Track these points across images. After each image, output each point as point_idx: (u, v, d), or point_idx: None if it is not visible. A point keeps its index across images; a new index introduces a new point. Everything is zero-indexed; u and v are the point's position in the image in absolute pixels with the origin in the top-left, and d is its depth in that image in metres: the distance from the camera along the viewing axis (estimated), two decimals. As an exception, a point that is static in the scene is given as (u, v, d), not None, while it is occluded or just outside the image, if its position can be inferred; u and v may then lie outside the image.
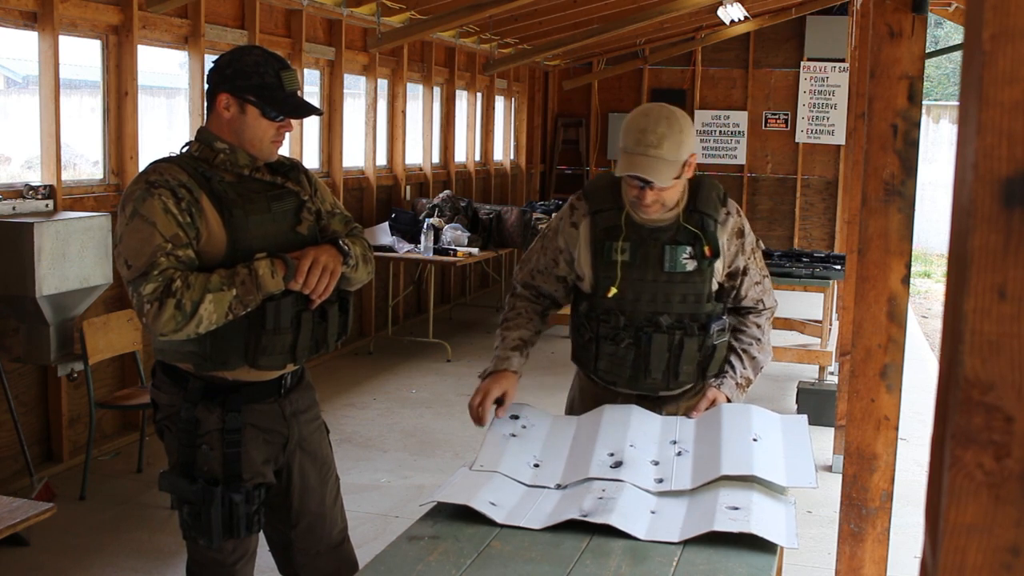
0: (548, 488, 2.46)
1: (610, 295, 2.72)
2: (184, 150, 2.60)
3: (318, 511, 2.78)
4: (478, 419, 2.73)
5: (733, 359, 2.85)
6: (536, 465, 2.55)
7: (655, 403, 2.84)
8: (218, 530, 2.55)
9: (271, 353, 2.52)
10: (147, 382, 5.19)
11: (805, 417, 2.79)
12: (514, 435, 2.66)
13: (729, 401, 2.78)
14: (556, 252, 2.86)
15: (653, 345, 2.71)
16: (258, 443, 2.62)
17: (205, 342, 2.48)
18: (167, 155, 2.60)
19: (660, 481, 2.44)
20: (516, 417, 2.74)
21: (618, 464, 2.47)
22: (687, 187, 2.75)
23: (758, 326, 2.88)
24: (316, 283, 2.52)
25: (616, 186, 2.78)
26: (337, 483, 2.86)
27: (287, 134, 2.65)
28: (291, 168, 2.69)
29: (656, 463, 2.51)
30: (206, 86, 2.61)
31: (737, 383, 2.82)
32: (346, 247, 2.62)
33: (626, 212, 2.73)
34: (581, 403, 2.96)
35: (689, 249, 2.71)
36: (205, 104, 2.64)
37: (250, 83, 2.51)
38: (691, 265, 2.71)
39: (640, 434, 2.61)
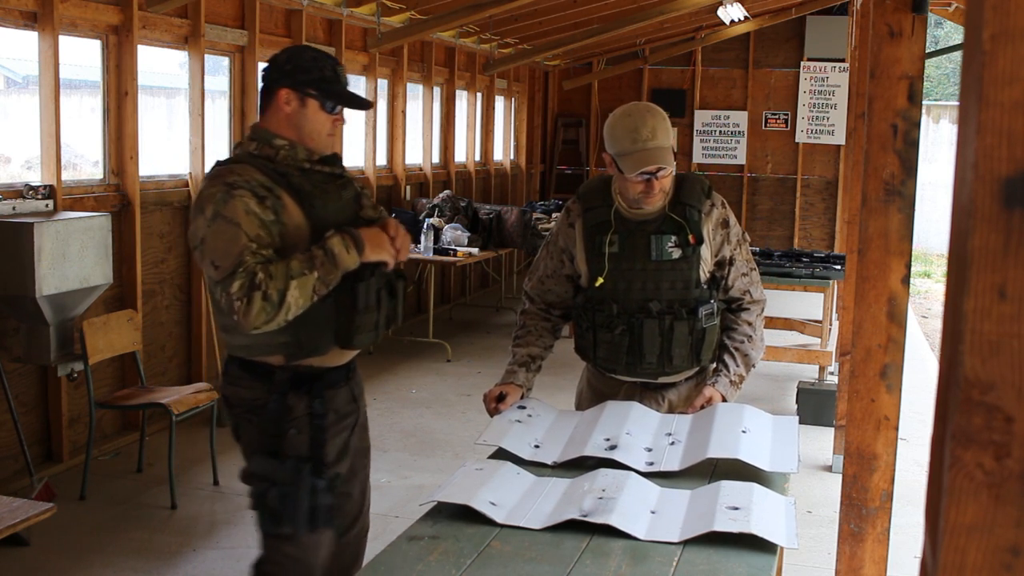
0: (546, 466, 2.58)
1: (597, 284, 2.89)
2: (238, 151, 2.65)
3: (361, 488, 2.91)
4: (490, 410, 2.93)
5: (726, 357, 3.00)
6: (537, 446, 2.69)
7: (657, 390, 3.01)
8: (304, 514, 2.59)
9: (364, 331, 2.63)
10: (147, 382, 5.20)
11: (796, 418, 2.93)
12: (519, 421, 2.81)
13: (724, 400, 2.93)
14: (560, 253, 3.01)
15: (645, 330, 2.87)
16: (336, 431, 2.71)
17: (298, 331, 2.54)
18: (230, 156, 2.66)
19: (651, 464, 2.56)
20: (523, 408, 2.90)
21: (613, 447, 2.59)
22: (673, 181, 2.90)
23: (749, 323, 3.02)
24: (401, 245, 2.64)
25: (606, 186, 2.95)
26: (369, 467, 2.99)
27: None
28: (337, 159, 2.77)
29: (649, 450, 2.64)
30: (261, 84, 2.67)
31: (731, 381, 2.97)
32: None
33: (615, 208, 2.90)
34: (589, 392, 3.13)
35: (674, 238, 2.87)
36: (259, 102, 2.71)
37: (310, 77, 2.60)
38: (677, 253, 2.87)
39: (638, 426, 2.74)
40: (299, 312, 2.48)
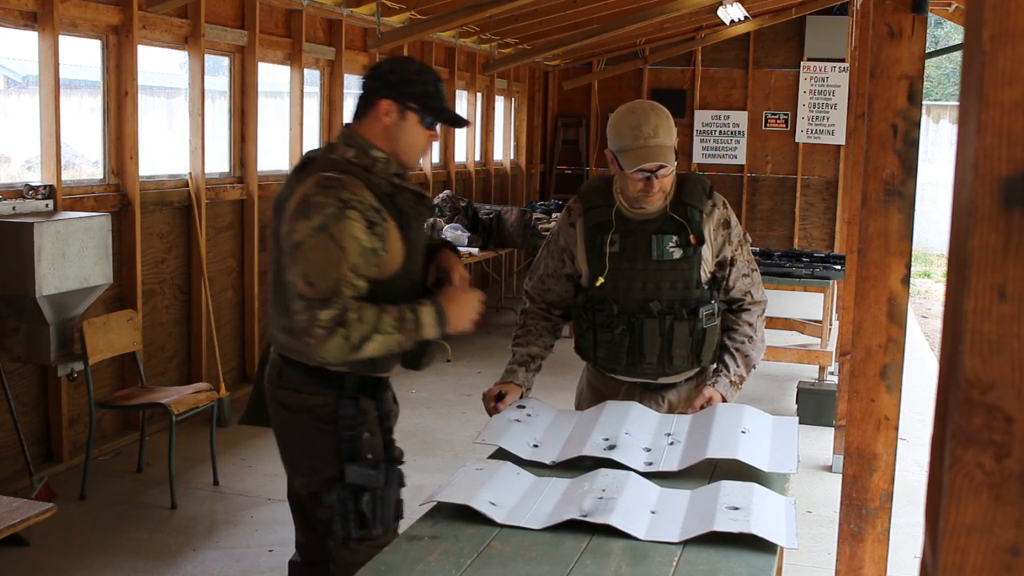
0: (544, 465, 2.57)
1: (598, 284, 2.89)
2: (334, 155, 2.56)
3: None
4: (489, 409, 2.93)
5: (727, 358, 2.99)
6: (535, 446, 2.68)
7: (657, 390, 3.00)
8: (392, 511, 2.62)
9: (429, 354, 2.71)
10: (147, 382, 5.19)
11: (796, 418, 2.93)
12: (518, 420, 2.80)
13: (724, 400, 2.92)
14: (561, 252, 3.01)
15: (645, 330, 2.87)
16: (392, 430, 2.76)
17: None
18: (324, 156, 2.57)
19: (650, 464, 2.55)
20: (522, 407, 2.89)
21: (612, 447, 2.58)
22: (674, 181, 2.88)
23: (750, 324, 3.01)
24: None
25: (608, 186, 2.95)
26: None
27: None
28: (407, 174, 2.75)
29: (648, 450, 2.63)
30: (362, 92, 2.61)
31: (731, 381, 2.97)
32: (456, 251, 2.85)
33: (616, 207, 2.89)
34: (589, 392, 3.12)
35: (675, 238, 2.86)
36: (356, 109, 2.64)
37: (414, 91, 2.56)
38: (678, 253, 2.87)
39: (637, 426, 2.73)
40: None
